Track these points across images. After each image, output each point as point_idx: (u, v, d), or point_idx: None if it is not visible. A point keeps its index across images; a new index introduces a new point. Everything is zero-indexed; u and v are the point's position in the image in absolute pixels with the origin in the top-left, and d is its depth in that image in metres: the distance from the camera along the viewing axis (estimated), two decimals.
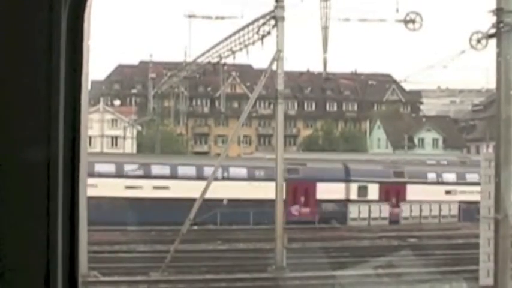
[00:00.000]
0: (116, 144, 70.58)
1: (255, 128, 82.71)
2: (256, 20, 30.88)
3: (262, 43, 30.44)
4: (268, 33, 29.98)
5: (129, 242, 34.30)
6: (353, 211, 46.29)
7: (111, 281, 26.38)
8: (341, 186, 47.28)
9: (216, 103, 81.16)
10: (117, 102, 78.53)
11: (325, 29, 49.43)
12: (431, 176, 50.20)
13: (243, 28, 32.37)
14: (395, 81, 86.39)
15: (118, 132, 70.74)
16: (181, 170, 45.79)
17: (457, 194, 48.67)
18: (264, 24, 30.19)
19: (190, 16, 61.30)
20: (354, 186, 47.74)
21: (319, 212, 45.39)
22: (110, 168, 43.91)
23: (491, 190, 22.34)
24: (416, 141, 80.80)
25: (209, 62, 40.64)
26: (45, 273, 2.17)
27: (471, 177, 50.16)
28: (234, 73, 79.82)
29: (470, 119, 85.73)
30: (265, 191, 43.60)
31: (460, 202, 47.70)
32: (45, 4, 2.17)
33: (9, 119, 2.14)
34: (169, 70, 59.64)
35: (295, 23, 42.29)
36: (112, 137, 71.05)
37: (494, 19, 23.69)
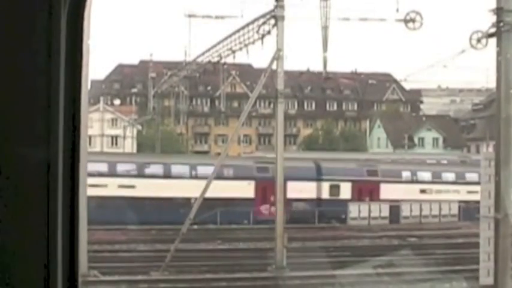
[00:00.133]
0: (116, 144, 70.62)
1: (255, 127, 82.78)
2: (256, 19, 30.89)
3: (262, 42, 30.45)
4: (268, 32, 29.97)
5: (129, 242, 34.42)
6: (353, 210, 46.18)
7: (112, 281, 26.39)
8: (312, 185, 46.94)
9: (216, 102, 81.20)
10: (117, 101, 78.60)
11: (325, 28, 49.40)
12: (406, 174, 49.53)
13: (243, 27, 32.39)
14: (395, 81, 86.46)
15: (118, 131, 70.79)
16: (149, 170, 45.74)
17: (433, 193, 48.33)
18: (264, 23, 30.19)
19: (190, 15, 61.29)
20: (325, 185, 47.30)
21: (289, 212, 44.88)
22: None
23: (491, 189, 22.32)
24: (416, 140, 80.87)
25: (209, 62, 40.66)
26: (45, 272, 2.17)
27: (447, 176, 50.10)
28: (234, 72, 79.88)
29: (470, 118, 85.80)
30: (233, 189, 43.54)
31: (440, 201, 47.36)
32: (45, 3, 2.17)
33: (9, 119, 2.13)
34: (169, 69, 59.66)
35: (295, 22, 42.26)
36: (112, 137, 71.11)
37: (494, 18, 23.68)
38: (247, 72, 75.90)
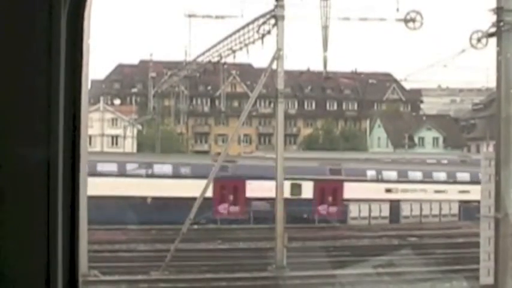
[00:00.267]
0: (116, 144, 70.63)
1: (255, 127, 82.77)
2: (257, 19, 30.90)
3: (262, 42, 30.47)
4: (269, 32, 29.98)
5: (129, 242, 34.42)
6: (353, 210, 46.11)
7: (112, 280, 26.39)
8: (273, 184, 46.53)
9: (216, 102, 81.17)
10: (117, 101, 78.59)
11: (325, 28, 49.36)
12: (371, 173, 48.79)
13: (243, 27, 32.40)
14: (395, 80, 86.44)
15: (118, 131, 70.79)
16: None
17: (399, 192, 47.74)
18: (264, 23, 30.20)
19: (190, 15, 61.26)
20: (286, 184, 46.82)
21: (249, 211, 44.03)
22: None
23: (492, 189, 22.33)
24: (416, 140, 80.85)
25: (209, 61, 40.68)
26: (45, 272, 2.17)
27: (414, 175, 49.60)
28: (234, 72, 79.83)
29: (470, 117, 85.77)
30: (190, 188, 42.84)
31: (400, 201, 46.94)
32: (45, 3, 2.17)
33: (9, 119, 2.13)
34: (170, 69, 59.66)
35: (295, 22, 42.21)
36: (112, 136, 71.10)
37: (494, 18, 23.70)
38: (247, 72, 75.89)
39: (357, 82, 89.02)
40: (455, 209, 47.57)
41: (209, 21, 64.88)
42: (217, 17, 53.49)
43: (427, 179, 48.92)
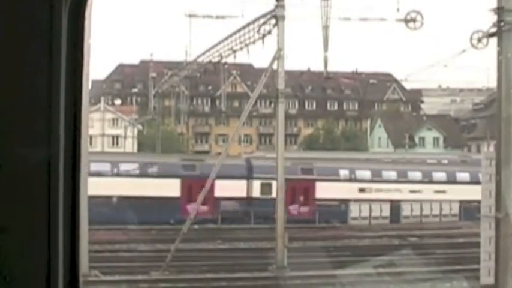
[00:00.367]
0: (117, 144, 70.64)
1: (255, 127, 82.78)
2: (257, 19, 30.91)
3: (262, 42, 30.49)
4: (269, 32, 29.99)
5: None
6: (354, 210, 46.12)
7: (112, 280, 26.41)
8: (243, 183, 45.63)
9: (217, 102, 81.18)
10: (117, 101, 78.57)
11: (325, 28, 49.32)
12: (344, 173, 48.28)
13: (243, 27, 32.42)
14: (396, 80, 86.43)
15: (119, 131, 70.82)
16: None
17: (372, 192, 47.30)
18: (264, 23, 30.21)
19: (191, 15, 61.20)
20: (256, 184, 45.88)
21: (218, 211, 43.55)
22: None
23: (492, 189, 22.33)
24: (417, 140, 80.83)
25: (210, 61, 40.69)
26: (46, 272, 2.17)
27: (388, 174, 49.27)
28: (234, 72, 79.83)
29: (471, 117, 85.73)
30: (158, 188, 42.33)
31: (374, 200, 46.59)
32: (46, 3, 2.16)
33: (9, 119, 2.13)
34: (170, 69, 59.66)
35: (295, 22, 42.24)
36: (113, 136, 71.12)
37: (495, 18, 23.69)
38: (247, 72, 75.89)
39: (357, 82, 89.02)
40: (455, 209, 47.59)
41: (210, 21, 64.79)
42: (217, 17, 53.45)
43: (402, 179, 48.71)
